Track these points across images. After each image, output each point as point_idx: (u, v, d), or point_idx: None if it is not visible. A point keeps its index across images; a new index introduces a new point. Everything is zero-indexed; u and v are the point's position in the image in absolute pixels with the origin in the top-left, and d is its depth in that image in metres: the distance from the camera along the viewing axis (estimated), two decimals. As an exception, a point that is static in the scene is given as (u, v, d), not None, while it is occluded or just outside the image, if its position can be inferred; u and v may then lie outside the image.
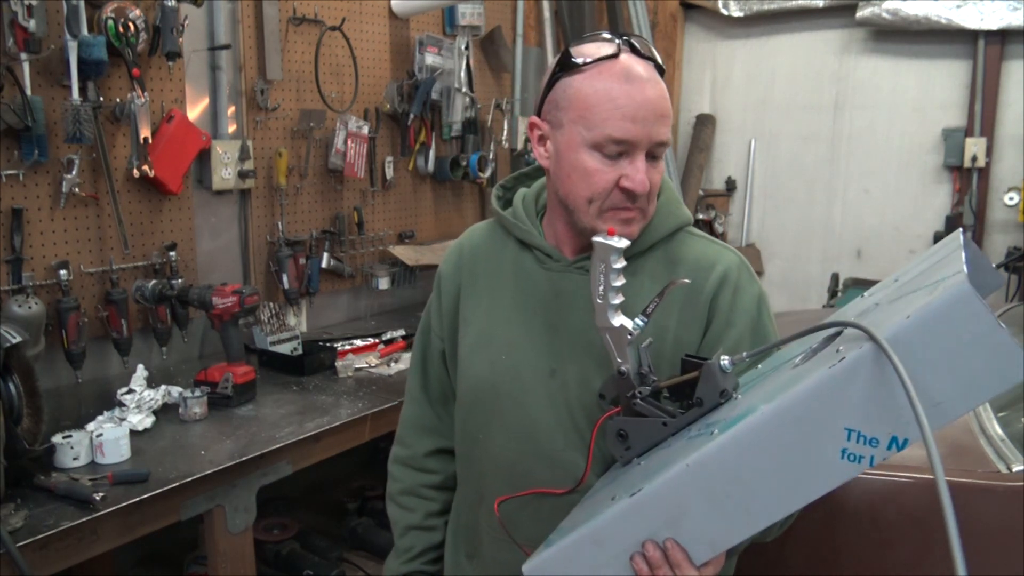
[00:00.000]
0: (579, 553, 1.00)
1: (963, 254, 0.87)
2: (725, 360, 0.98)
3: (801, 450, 0.85)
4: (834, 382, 0.83)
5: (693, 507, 0.92)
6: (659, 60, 1.14)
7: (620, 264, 1.03)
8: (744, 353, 0.99)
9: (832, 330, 0.92)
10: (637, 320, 1.03)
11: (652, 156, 1.12)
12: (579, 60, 1.12)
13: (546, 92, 1.17)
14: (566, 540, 1.01)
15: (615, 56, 1.10)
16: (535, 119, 1.20)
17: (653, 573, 0.94)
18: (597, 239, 1.04)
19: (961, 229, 0.87)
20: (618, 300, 1.04)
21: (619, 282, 1.03)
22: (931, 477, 1.63)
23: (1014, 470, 1.58)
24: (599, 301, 1.04)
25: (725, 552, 0.95)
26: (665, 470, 0.93)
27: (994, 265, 3.51)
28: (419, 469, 1.41)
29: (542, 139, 1.19)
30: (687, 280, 1.09)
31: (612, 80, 1.09)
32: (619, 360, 1.04)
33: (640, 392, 1.03)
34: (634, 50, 1.12)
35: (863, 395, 0.81)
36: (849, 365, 0.82)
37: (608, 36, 1.13)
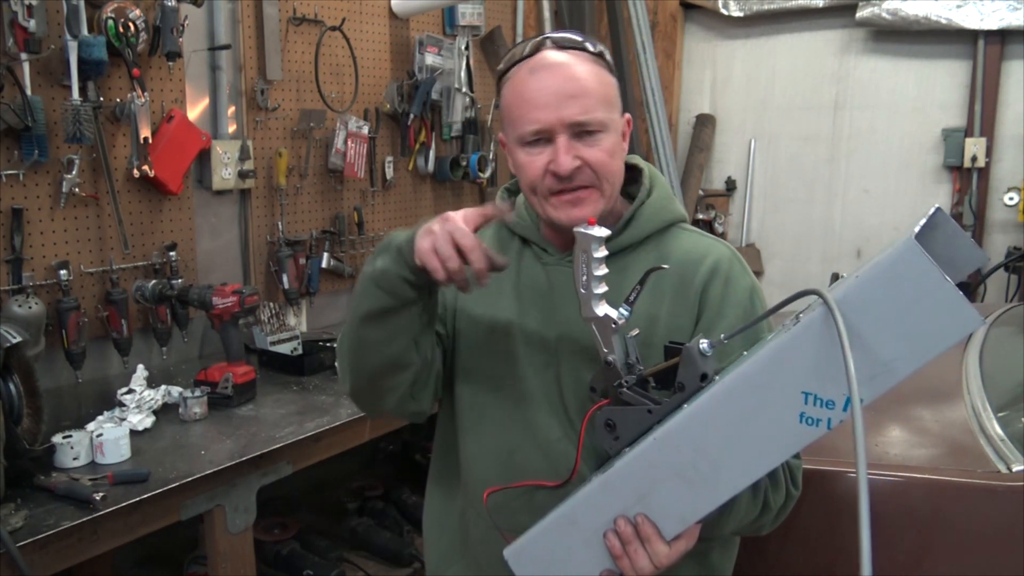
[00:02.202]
0: (556, 533, 1.01)
1: (923, 220, 0.87)
2: (704, 344, 0.98)
3: (761, 416, 0.87)
4: (789, 345, 0.84)
5: (661, 481, 0.93)
6: (590, 48, 1.16)
7: (601, 253, 1.03)
8: (723, 336, 0.99)
9: (805, 307, 0.93)
10: (621, 309, 1.03)
11: (586, 134, 1.13)
12: (506, 70, 1.18)
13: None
14: (544, 522, 1.03)
15: (531, 56, 1.15)
16: (500, 136, 1.25)
17: (625, 549, 0.95)
18: (577, 229, 1.04)
19: (937, 206, 0.88)
20: (601, 290, 1.03)
21: (601, 271, 1.03)
22: (931, 477, 1.63)
23: (1014, 470, 1.57)
24: (583, 291, 1.04)
25: (698, 528, 0.96)
26: (636, 447, 0.95)
27: (994, 265, 3.51)
28: None
29: (510, 152, 1.24)
30: (666, 266, 1.09)
31: (522, 78, 1.15)
32: (605, 350, 1.04)
33: (626, 381, 1.03)
34: (556, 44, 1.16)
35: (816, 357, 0.82)
36: (802, 328, 0.83)
37: (531, 39, 1.18)
